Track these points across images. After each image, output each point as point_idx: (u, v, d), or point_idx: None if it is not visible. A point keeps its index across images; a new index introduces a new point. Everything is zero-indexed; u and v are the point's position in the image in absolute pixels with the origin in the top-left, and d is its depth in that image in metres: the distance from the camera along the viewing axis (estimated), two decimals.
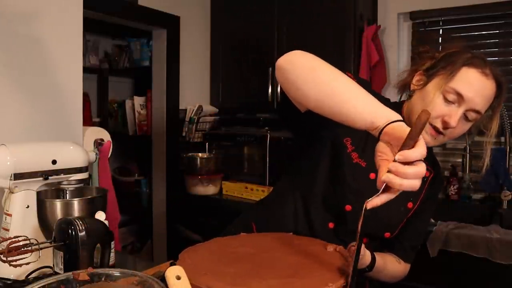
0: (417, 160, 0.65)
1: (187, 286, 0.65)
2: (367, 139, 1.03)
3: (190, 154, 2.64)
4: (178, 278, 0.66)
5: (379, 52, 2.33)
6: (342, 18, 2.30)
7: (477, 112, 0.96)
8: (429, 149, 1.13)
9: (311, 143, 1.10)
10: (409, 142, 0.64)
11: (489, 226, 1.72)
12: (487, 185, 2.14)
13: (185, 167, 2.65)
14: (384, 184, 0.68)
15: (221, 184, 2.62)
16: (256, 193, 2.39)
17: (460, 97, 0.95)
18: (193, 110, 2.76)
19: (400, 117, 0.71)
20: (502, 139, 2.14)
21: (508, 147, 2.09)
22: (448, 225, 1.70)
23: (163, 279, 0.68)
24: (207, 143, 2.72)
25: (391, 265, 1.08)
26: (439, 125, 0.97)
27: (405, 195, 1.02)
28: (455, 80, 0.95)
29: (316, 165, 1.08)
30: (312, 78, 0.81)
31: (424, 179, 1.08)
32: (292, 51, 0.89)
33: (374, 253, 1.00)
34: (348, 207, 1.04)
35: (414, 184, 0.66)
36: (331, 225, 1.07)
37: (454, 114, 0.95)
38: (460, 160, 2.23)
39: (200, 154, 2.65)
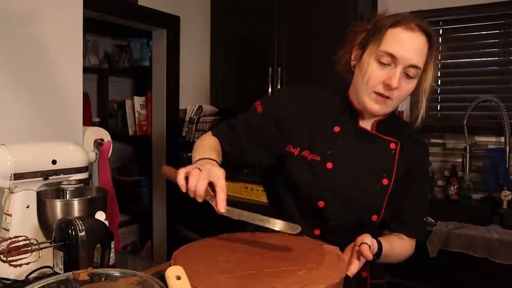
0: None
1: (187, 286, 0.65)
2: (310, 134, 1.07)
3: (190, 154, 2.63)
4: (178, 278, 0.66)
5: None
6: (342, 18, 2.30)
7: (415, 67, 0.98)
8: (394, 118, 1.14)
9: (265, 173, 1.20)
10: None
11: (489, 226, 1.72)
12: (487, 185, 2.14)
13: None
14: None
15: None
16: (256, 193, 2.39)
17: (393, 57, 0.97)
18: (193, 110, 2.76)
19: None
20: (502, 139, 2.14)
21: (508, 147, 2.09)
22: (448, 225, 1.70)
23: (163, 279, 0.68)
24: None
25: (397, 244, 1.05)
26: (382, 90, 0.99)
27: (375, 174, 1.07)
28: (383, 43, 0.98)
29: (276, 186, 1.14)
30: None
31: (392, 152, 1.08)
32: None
33: (379, 238, 0.98)
34: (321, 204, 1.05)
35: None
36: (317, 232, 1.09)
37: (393, 75, 0.97)
38: (460, 160, 2.23)
39: None
